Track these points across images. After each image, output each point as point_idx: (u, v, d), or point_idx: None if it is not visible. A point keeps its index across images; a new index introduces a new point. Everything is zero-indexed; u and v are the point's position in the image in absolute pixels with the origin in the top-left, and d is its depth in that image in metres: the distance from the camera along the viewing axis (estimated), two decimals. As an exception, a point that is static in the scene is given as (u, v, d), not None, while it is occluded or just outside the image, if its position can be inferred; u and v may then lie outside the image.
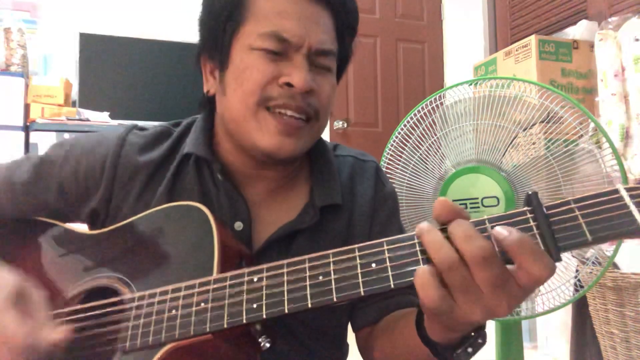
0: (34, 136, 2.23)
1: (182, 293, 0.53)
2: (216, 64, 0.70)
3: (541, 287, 1.14)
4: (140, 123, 0.80)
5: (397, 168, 1.22)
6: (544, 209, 0.44)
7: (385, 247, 0.47)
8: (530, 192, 0.45)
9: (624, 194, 0.42)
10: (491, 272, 0.42)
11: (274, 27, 0.64)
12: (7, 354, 0.50)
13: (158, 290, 0.55)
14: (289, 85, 0.64)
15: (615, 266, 1.50)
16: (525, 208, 0.45)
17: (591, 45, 2.13)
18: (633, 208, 0.41)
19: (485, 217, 0.46)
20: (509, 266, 0.43)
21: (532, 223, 0.44)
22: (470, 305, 0.43)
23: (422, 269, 0.43)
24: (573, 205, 0.43)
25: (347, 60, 0.75)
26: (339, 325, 0.76)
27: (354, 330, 0.76)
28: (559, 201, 0.44)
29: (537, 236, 0.43)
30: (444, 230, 0.45)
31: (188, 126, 0.76)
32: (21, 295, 0.54)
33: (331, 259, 0.49)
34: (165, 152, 0.73)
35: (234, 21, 0.66)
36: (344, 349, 0.79)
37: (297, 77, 0.64)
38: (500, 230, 0.43)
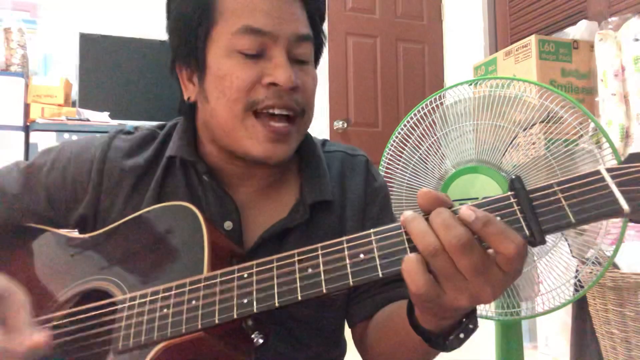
0: (34, 136, 2.23)
1: (173, 292, 0.53)
2: (193, 70, 0.69)
3: (541, 287, 1.14)
4: (140, 124, 0.80)
5: (397, 168, 1.22)
6: (527, 193, 0.44)
7: (373, 238, 0.48)
8: (513, 177, 0.46)
9: (605, 174, 0.43)
10: (471, 259, 0.43)
11: (246, 21, 0.63)
12: None
13: (149, 290, 0.55)
14: (273, 84, 0.63)
15: (615, 266, 1.50)
16: (509, 192, 0.46)
17: (591, 45, 2.13)
18: (614, 188, 0.42)
19: (470, 203, 0.46)
20: (491, 251, 0.44)
21: (515, 207, 0.45)
22: (456, 291, 0.44)
23: (409, 257, 0.44)
24: (556, 188, 0.44)
25: (321, 47, 0.75)
26: (336, 322, 0.76)
27: (350, 326, 0.77)
28: (541, 185, 0.45)
29: (521, 219, 0.44)
30: (427, 218, 0.46)
31: (172, 128, 0.76)
32: (3, 295, 0.52)
33: (320, 252, 0.49)
34: (150, 155, 0.73)
35: (205, 24, 0.65)
36: (341, 346, 0.79)
37: (281, 75, 0.63)
38: (466, 212, 0.44)
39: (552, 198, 0.44)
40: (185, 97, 0.72)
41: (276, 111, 0.64)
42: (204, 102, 0.68)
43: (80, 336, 0.57)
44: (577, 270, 1.14)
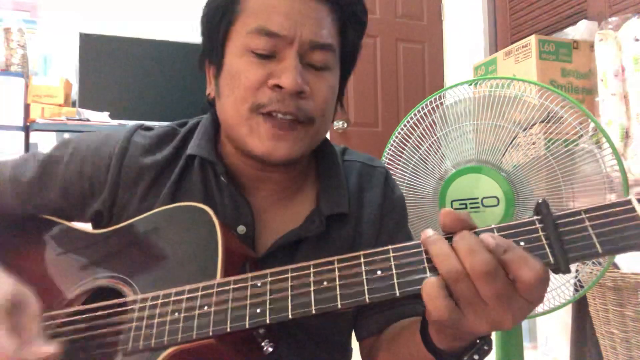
0: (34, 136, 2.23)
1: (185, 296, 0.53)
2: (215, 67, 0.69)
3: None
4: (145, 123, 0.80)
5: (397, 168, 1.22)
6: (554, 219, 0.43)
7: (392, 255, 0.47)
8: (540, 201, 0.44)
9: (636, 204, 0.41)
10: (495, 286, 0.42)
11: (261, 22, 0.62)
12: None
13: (161, 292, 0.55)
14: (278, 87, 0.62)
15: (615, 266, 1.50)
16: (534, 217, 0.44)
17: (591, 45, 2.13)
18: None
19: (493, 225, 0.45)
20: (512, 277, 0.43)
21: (540, 233, 0.43)
22: (476, 316, 0.43)
23: (430, 280, 0.43)
24: (583, 216, 0.42)
25: (355, 56, 0.73)
26: (342, 331, 0.75)
27: (358, 339, 0.76)
28: (568, 211, 0.43)
29: (546, 246, 0.43)
30: (449, 239, 0.45)
31: (193, 127, 0.76)
32: (15, 304, 0.52)
33: (336, 265, 0.48)
34: (169, 153, 0.72)
35: (226, 21, 0.66)
36: (347, 354, 0.79)
37: (286, 77, 0.61)
38: (487, 239, 0.43)
39: (579, 226, 0.42)
40: (207, 93, 0.72)
41: (279, 115, 0.63)
42: (217, 98, 0.69)
43: (89, 334, 0.57)
44: (577, 270, 1.14)
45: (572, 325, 1.85)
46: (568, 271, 0.42)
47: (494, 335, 1.20)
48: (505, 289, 0.42)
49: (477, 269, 0.42)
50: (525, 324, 2.12)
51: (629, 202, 0.42)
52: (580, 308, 1.78)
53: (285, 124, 0.63)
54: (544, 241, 0.43)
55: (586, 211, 0.42)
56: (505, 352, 1.19)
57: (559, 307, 1.13)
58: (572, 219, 0.43)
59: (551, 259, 0.42)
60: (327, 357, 0.73)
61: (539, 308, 1.16)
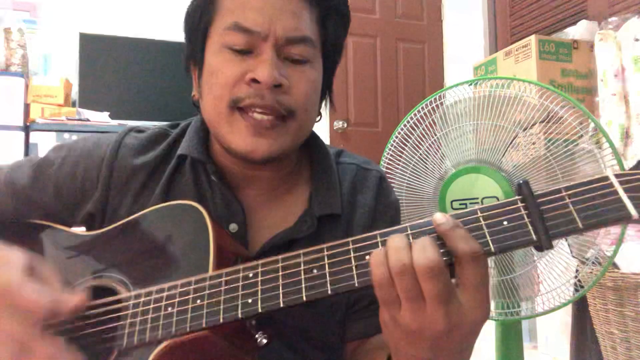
0: (34, 136, 2.23)
1: (178, 290, 0.54)
2: (197, 67, 0.69)
3: (541, 287, 1.14)
4: (140, 123, 0.80)
5: (397, 168, 1.22)
6: (535, 198, 0.45)
7: (379, 240, 0.48)
8: (521, 181, 0.46)
9: (614, 180, 0.43)
10: (436, 284, 0.44)
11: (236, 18, 0.63)
12: (31, 323, 0.50)
13: (154, 288, 0.55)
14: (255, 81, 0.62)
15: (615, 266, 1.50)
16: (517, 197, 0.46)
17: (591, 45, 2.13)
18: (622, 194, 0.42)
19: (477, 207, 0.47)
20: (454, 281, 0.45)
21: (523, 212, 0.45)
22: (412, 313, 0.45)
23: (377, 250, 0.46)
24: (564, 193, 0.44)
25: (339, 49, 0.73)
26: (334, 332, 0.75)
27: (344, 341, 0.76)
28: (549, 189, 0.45)
29: (529, 224, 0.44)
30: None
31: (185, 128, 0.76)
32: (33, 267, 0.55)
33: (325, 253, 0.49)
34: (161, 154, 0.72)
35: (204, 22, 0.66)
36: (342, 355, 0.79)
37: (261, 70, 0.61)
38: (439, 217, 0.46)
39: (559, 203, 0.44)
40: (192, 95, 0.72)
41: (258, 110, 0.63)
42: (200, 99, 0.69)
43: (85, 333, 0.57)
44: (577, 270, 1.14)
45: (572, 325, 1.85)
46: (550, 247, 0.44)
47: (493, 335, 1.20)
48: (445, 289, 0.44)
49: (422, 264, 0.43)
50: (525, 324, 2.11)
51: (607, 178, 0.43)
52: (580, 308, 1.79)
53: (265, 122, 0.63)
54: (527, 219, 0.44)
55: (567, 188, 0.44)
56: (505, 352, 1.19)
57: (559, 307, 1.12)
58: (553, 196, 0.44)
59: (533, 236, 0.44)
60: (322, 356, 0.73)
61: (539, 308, 1.16)
